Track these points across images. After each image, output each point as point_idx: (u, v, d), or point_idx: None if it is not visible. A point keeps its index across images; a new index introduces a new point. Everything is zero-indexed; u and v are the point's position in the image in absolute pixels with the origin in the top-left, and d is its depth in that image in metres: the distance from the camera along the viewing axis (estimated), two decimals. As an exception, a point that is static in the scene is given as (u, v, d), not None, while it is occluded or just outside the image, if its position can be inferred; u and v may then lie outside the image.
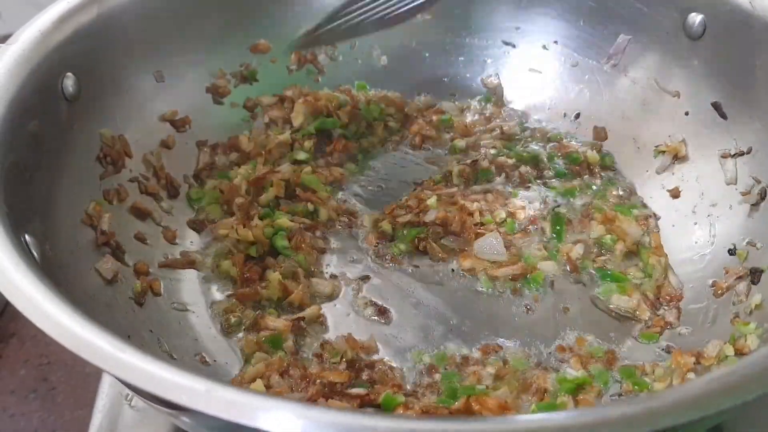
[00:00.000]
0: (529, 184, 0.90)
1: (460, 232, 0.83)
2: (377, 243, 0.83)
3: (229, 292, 0.78)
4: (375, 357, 0.71)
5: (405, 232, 0.83)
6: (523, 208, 0.86)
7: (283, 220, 0.82)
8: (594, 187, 0.90)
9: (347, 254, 0.83)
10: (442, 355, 0.72)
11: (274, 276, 0.77)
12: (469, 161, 0.92)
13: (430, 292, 0.79)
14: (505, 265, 0.79)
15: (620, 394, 0.68)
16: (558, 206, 0.86)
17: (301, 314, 0.74)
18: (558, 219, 0.85)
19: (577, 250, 0.81)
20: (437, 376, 0.69)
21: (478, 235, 0.82)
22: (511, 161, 0.92)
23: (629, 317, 0.76)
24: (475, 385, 0.68)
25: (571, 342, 0.73)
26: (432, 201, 0.84)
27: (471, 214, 0.84)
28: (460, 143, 0.96)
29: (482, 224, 0.84)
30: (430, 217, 0.83)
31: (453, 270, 0.80)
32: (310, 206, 0.85)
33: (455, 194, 0.87)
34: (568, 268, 0.80)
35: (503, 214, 0.85)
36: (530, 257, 0.81)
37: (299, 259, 0.80)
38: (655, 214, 0.86)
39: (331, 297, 0.78)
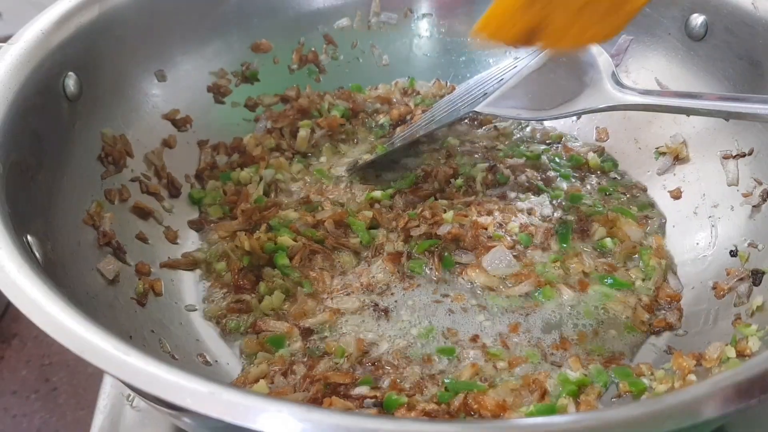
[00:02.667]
0: (537, 189, 0.89)
1: (472, 248, 0.81)
2: (393, 267, 0.80)
3: (222, 299, 0.77)
4: (377, 354, 0.71)
5: (418, 243, 0.81)
6: (535, 213, 0.85)
7: (285, 239, 0.79)
8: (606, 193, 0.89)
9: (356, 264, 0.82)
10: (432, 330, 0.72)
11: (267, 291, 0.76)
12: (487, 165, 0.91)
13: (433, 295, 0.78)
14: (518, 283, 0.78)
15: (619, 395, 0.68)
16: (566, 213, 0.85)
17: (307, 324, 0.74)
18: (566, 226, 0.84)
19: (588, 263, 0.80)
20: (435, 368, 0.69)
21: (488, 249, 0.80)
22: (520, 161, 0.92)
23: (629, 319, 0.76)
24: (474, 379, 0.68)
25: (572, 337, 0.73)
26: (448, 215, 0.82)
27: (484, 227, 0.82)
28: (453, 141, 0.96)
29: (495, 238, 0.82)
30: (443, 230, 0.81)
31: (461, 281, 0.79)
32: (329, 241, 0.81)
33: (471, 203, 0.86)
34: (577, 281, 0.79)
35: (517, 229, 0.83)
36: (546, 274, 0.79)
37: (302, 282, 0.77)
38: (663, 217, 0.86)
39: (357, 312, 0.75)
